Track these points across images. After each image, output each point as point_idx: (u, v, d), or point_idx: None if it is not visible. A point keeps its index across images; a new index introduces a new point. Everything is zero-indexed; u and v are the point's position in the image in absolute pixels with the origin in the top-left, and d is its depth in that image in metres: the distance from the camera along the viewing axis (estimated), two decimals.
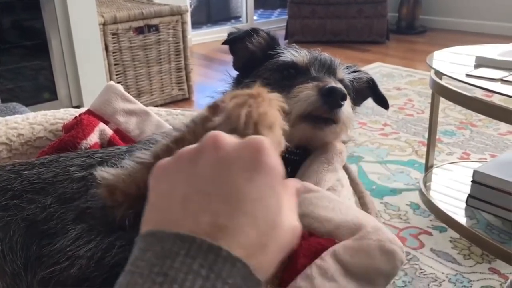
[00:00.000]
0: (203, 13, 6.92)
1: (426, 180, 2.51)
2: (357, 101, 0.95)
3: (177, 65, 3.82)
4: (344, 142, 0.84)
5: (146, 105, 3.47)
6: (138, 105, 1.02)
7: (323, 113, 0.74)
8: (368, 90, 0.96)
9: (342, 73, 0.87)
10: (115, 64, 3.47)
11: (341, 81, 0.85)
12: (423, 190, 2.39)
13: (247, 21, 6.67)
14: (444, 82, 2.16)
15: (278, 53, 0.88)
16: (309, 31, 5.80)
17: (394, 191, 2.54)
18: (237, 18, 6.97)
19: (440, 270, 1.93)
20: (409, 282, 1.88)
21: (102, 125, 0.95)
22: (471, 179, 2.22)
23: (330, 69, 0.85)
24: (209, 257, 0.42)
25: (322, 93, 0.73)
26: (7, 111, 1.78)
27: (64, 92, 3.30)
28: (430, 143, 2.50)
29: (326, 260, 0.58)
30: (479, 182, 2.18)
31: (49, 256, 0.68)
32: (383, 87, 4.20)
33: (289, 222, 0.48)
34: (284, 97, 0.75)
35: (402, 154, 2.97)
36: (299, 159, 0.79)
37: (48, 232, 0.70)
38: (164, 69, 3.75)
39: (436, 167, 2.64)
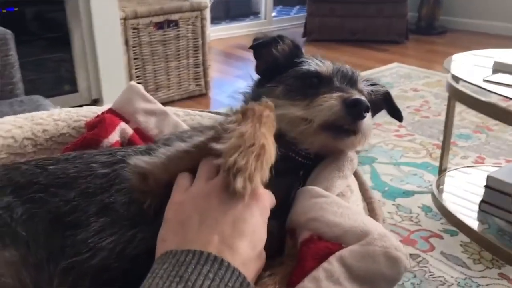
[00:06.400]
0: (222, 9, 6.95)
1: (439, 183, 2.51)
2: (372, 113, 0.97)
3: (195, 60, 3.86)
4: (358, 152, 0.86)
5: (163, 99, 3.50)
6: (158, 105, 1.06)
7: (345, 124, 0.76)
8: (383, 103, 0.98)
9: (362, 84, 0.89)
10: (135, 59, 3.53)
11: (361, 92, 0.88)
12: (436, 193, 2.40)
13: (265, 18, 6.68)
14: (461, 86, 2.16)
15: (303, 61, 0.90)
16: (327, 29, 5.79)
17: (407, 193, 2.55)
18: (256, 14, 6.98)
19: (449, 273, 1.95)
20: (417, 284, 1.90)
21: (123, 124, 0.99)
22: (484, 184, 2.22)
23: (351, 81, 0.87)
24: (214, 265, 0.56)
25: (346, 104, 0.75)
26: (30, 103, 1.84)
27: (84, 85, 3.37)
28: (445, 146, 2.50)
29: (333, 263, 0.61)
30: (492, 187, 2.18)
31: (72, 246, 0.73)
32: (400, 87, 4.19)
33: (264, 241, 0.65)
34: (306, 105, 0.79)
35: (416, 156, 2.97)
36: (312, 163, 0.82)
37: (71, 224, 0.75)
38: (182, 65, 3.80)
39: (450, 170, 2.64)
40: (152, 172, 0.71)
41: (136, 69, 3.55)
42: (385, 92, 0.96)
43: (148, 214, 0.71)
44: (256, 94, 0.90)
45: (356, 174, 0.84)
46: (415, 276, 1.93)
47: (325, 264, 0.61)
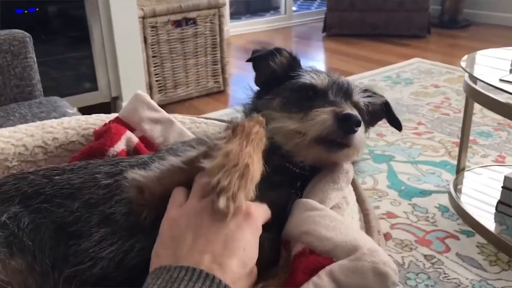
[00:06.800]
0: (242, 4, 6.96)
1: (457, 182, 2.48)
2: (372, 122, 0.98)
3: (213, 58, 3.89)
4: (354, 162, 0.87)
5: (182, 97, 3.54)
6: (163, 113, 1.08)
7: (338, 138, 0.77)
8: (382, 112, 0.98)
9: (358, 96, 0.90)
10: (153, 56, 3.57)
11: (357, 104, 0.89)
12: (453, 193, 2.37)
13: (285, 13, 6.66)
14: (479, 86, 2.12)
15: (299, 74, 0.91)
16: (347, 24, 5.74)
17: (424, 193, 2.53)
18: (276, 9, 6.97)
19: (464, 275, 1.93)
20: (431, 286, 1.89)
21: (128, 133, 1.01)
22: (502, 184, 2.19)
23: (347, 93, 0.88)
24: (206, 282, 0.58)
25: (338, 118, 0.76)
26: (48, 104, 1.89)
27: (104, 83, 3.42)
28: (463, 145, 2.47)
29: (323, 278, 0.62)
30: (509, 188, 2.14)
31: (75, 256, 0.76)
32: (420, 83, 4.14)
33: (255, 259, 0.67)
34: (300, 118, 0.80)
35: (435, 154, 2.93)
36: (309, 174, 0.84)
37: (75, 234, 0.78)
38: (200, 62, 3.83)
39: (468, 169, 2.60)
40: (147, 186, 0.74)
41: (154, 66, 3.60)
42: (383, 102, 0.96)
43: (146, 225, 0.74)
44: (255, 106, 0.92)
45: (354, 185, 0.84)
46: (429, 278, 1.92)
47: (315, 278, 0.62)
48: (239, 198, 0.63)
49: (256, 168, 0.67)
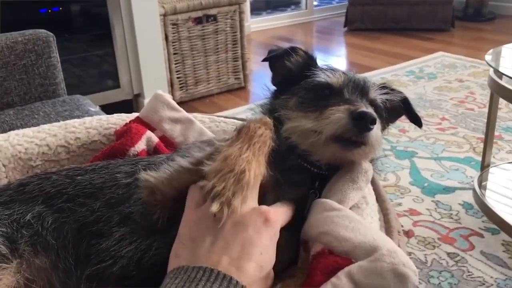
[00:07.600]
0: (263, 0, 6.94)
1: (482, 179, 2.43)
2: (391, 119, 0.96)
3: (233, 54, 3.89)
4: (372, 160, 0.86)
5: (203, 93, 3.56)
6: (183, 113, 1.09)
7: (353, 136, 0.76)
8: (402, 109, 0.96)
9: (375, 93, 0.89)
10: (174, 54, 3.60)
11: (373, 101, 0.87)
12: (477, 189, 2.33)
13: (306, 8, 6.62)
14: (504, 81, 2.08)
15: (314, 72, 0.90)
16: (369, 18, 5.67)
17: (447, 189, 2.49)
18: (296, 4, 6.92)
19: (489, 273, 1.90)
20: (455, 284, 1.86)
21: (149, 133, 1.03)
22: None
23: (363, 91, 0.87)
24: (223, 283, 0.59)
25: (352, 116, 0.76)
26: (71, 103, 1.92)
27: (126, 80, 3.46)
28: (487, 142, 2.42)
29: (341, 278, 0.62)
30: None
31: (96, 255, 0.78)
32: (444, 78, 4.07)
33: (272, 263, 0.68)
34: (316, 117, 0.80)
35: (459, 150, 2.88)
36: (328, 174, 0.83)
37: (96, 233, 0.79)
38: (221, 58, 3.84)
39: (494, 166, 2.55)
40: (158, 187, 0.75)
41: (175, 64, 3.62)
42: (402, 99, 0.94)
43: (159, 225, 0.75)
44: (272, 105, 0.92)
45: (374, 185, 0.84)
46: (452, 276, 1.90)
47: (333, 279, 0.62)
48: (234, 203, 0.64)
49: (255, 174, 0.67)
